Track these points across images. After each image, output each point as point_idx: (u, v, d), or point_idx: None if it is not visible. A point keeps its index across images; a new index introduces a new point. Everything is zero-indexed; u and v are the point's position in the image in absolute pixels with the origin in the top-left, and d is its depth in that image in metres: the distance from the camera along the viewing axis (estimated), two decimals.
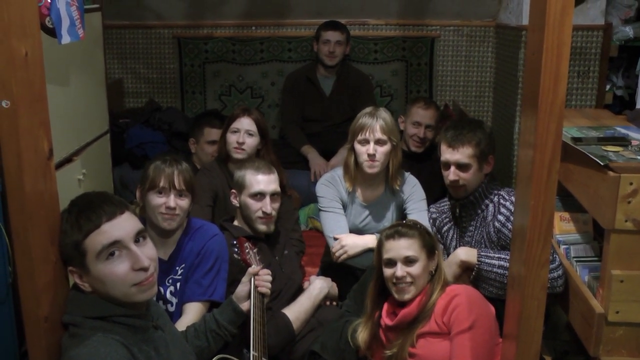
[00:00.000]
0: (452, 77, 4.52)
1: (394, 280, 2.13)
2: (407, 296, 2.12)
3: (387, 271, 2.16)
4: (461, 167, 2.49)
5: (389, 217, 2.85)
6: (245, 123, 3.01)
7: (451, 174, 2.51)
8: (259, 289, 2.17)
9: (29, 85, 1.57)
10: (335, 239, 2.71)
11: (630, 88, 3.81)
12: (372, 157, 2.68)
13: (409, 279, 2.12)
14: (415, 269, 2.12)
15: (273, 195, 2.57)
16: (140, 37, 4.51)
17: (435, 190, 3.05)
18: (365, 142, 2.69)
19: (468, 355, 1.97)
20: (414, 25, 4.45)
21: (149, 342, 1.66)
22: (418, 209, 2.78)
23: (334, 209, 2.78)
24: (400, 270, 2.11)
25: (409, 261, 2.12)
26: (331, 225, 2.76)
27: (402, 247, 2.13)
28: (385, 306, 2.23)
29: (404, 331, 2.13)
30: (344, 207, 2.83)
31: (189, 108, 4.62)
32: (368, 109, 2.76)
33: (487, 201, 2.52)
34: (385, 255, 2.16)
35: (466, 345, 1.98)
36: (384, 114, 2.72)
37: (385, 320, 2.20)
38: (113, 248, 1.57)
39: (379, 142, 2.68)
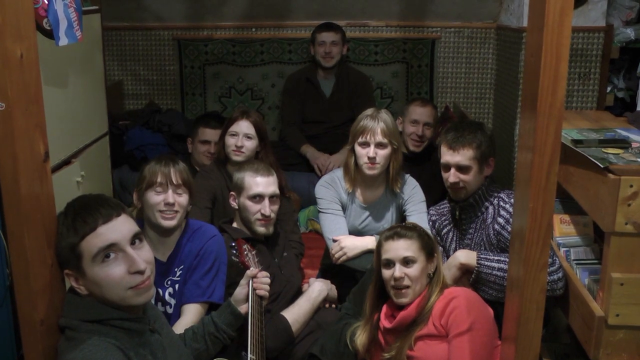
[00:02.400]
0: (453, 78, 4.51)
1: (393, 282, 2.12)
2: (405, 300, 2.12)
3: (386, 272, 2.15)
4: (461, 169, 2.48)
5: (389, 219, 2.84)
6: (244, 126, 3.00)
7: (451, 176, 2.50)
8: (257, 291, 2.16)
9: (25, 87, 1.56)
10: (335, 240, 2.70)
11: (631, 90, 3.80)
12: (372, 160, 2.67)
13: (407, 281, 2.11)
14: (413, 271, 2.12)
15: (272, 197, 2.56)
16: (140, 39, 4.51)
17: (434, 192, 3.05)
18: (366, 144, 2.68)
19: (466, 357, 1.96)
20: (414, 26, 4.44)
21: (146, 345, 1.65)
22: (418, 211, 2.77)
23: (333, 211, 2.77)
24: (398, 271, 2.11)
25: (407, 262, 2.12)
26: (330, 226, 2.75)
27: (401, 248, 2.13)
28: (384, 308, 2.22)
29: (402, 333, 2.12)
30: (344, 208, 2.82)
31: (189, 110, 4.61)
32: (369, 111, 2.75)
33: (487, 203, 2.51)
34: (384, 256, 2.16)
35: (464, 347, 1.97)
36: (384, 116, 2.71)
37: (384, 322, 2.19)
38: (109, 251, 1.57)
39: (379, 145, 2.67)
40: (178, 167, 2.31)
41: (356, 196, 2.83)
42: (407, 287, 2.12)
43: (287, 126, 4.19)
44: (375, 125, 2.67)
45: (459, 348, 1.99)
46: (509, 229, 2.33)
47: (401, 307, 2.14)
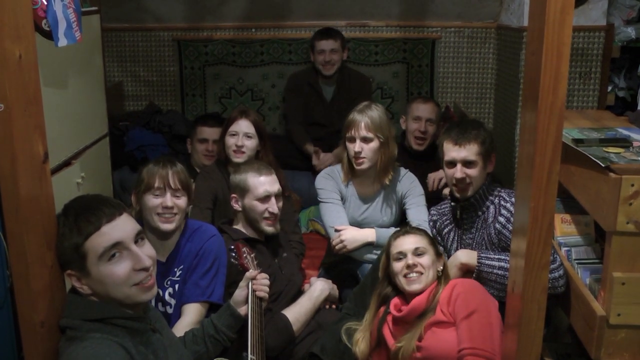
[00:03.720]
0: (454, 78, 4.50)
1: (405, 271, 2.18)
2: (417, 286, 2.17)
3: (397, 264, 2.21)
4: (468, 164, 2.47)
5: (388, 212, 2.87)
6: (244, 125, 3.00)
7: (458, 172, 2.48)
8: (256, 293, 2.16)
9: (23, 88, 1.56)
10: (337, 230, 2.72)
11: (632, 89, 3.79)
12: (357, 154, 2.70)
13: (419, 268, 2.17)
14: (425, 260, 2.19)
15: (277, 195, 2.56)
16: (140, 40, 4.50)
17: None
18: (353, 139, 2.72)
19: (477, 335, 1.99)
20: (414, 26, 4.44)
21: (148, 345, 1.65)
22: (417, 204, 2.81)
23: (333, 200, 2.82)
24: (411, 259, 2.18)
25: (418, 253, 2.20)
26: (331, 216, 2.79)
27: (412, 241, 2.23)
28: (394, 300, 2.26)
29: (411, 324, 2.16)
30: (343, 200, 2.87)
31: (190, 111, 4.60)
32: (360, 105, 2.80)
33: (487, 203, 2.51)
34: (395, 250, 2.23)
35: (473, 328, 2.01)
36: (372, 110, 2.74)
37: (394, 312, 2.22)
38: (114, 250, 1.58)
39: (364, 139, 2.72)
40: (176, 169, 2.30)
41: (354, 189, 2.86)
42: (420, 273, 2.17)
43: (294, 125, 4.15)
44: (360, 119, 2.72)
45: (467, 328, 2.01)
46: (510, 228, 2.32)
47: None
